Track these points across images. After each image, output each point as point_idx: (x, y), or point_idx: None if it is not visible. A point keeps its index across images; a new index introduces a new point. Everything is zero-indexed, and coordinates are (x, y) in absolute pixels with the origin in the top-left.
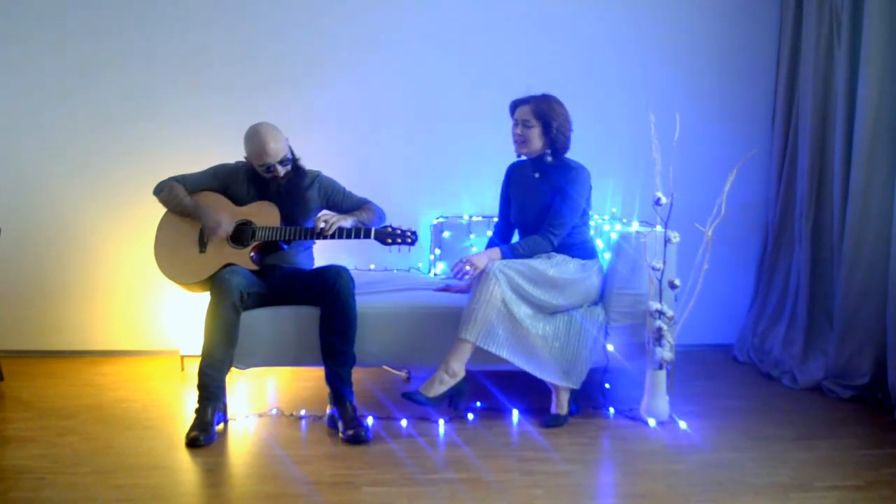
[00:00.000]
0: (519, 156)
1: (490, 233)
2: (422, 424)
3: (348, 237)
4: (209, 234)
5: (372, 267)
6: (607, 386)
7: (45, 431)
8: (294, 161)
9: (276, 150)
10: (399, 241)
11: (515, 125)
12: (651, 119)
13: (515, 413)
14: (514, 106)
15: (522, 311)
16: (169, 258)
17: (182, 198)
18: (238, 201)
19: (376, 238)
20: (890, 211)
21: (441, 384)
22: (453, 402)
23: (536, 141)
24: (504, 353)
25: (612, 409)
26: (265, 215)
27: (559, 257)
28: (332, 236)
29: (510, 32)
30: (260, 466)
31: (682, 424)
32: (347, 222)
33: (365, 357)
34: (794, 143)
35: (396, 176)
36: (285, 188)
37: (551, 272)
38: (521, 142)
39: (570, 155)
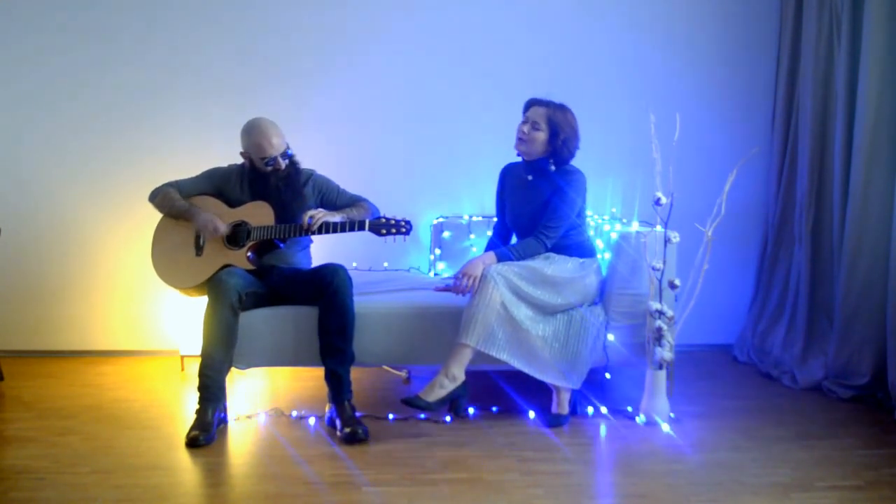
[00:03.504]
0: (518, 154)
1: (490, 233)
2: (422, 424)
3: (342, 231)
4: (204, 233)
5: (372, 267)
6: (608, 376)
7: (45, 431)
8: (291, 157)
9: (279, 143)
10: (394, 231)
11: (524, 122)
12: (651, 119)
13: (516, 413)
14: (530, 104)
15: (522, 312)
16: (166, 263)
17: (176, 201)
18: (232, 203)
19: (371, 230)
20: (890, 211)
21: (441, 388)
22: (454, 407)
23: (539, 145)
24: (504, 357)
25: (611, 409)
26: (260, 215)
27: (557, 257)
28: (319, 231)
29: (510, 33)
30: (260, 466)
31: (682, 425)
32: (335, 218)
33: (365, 357)
34: (794, 143)
35: (396, 176)
36: (283, 184)
37: (549, 271)
38: (523, 140)
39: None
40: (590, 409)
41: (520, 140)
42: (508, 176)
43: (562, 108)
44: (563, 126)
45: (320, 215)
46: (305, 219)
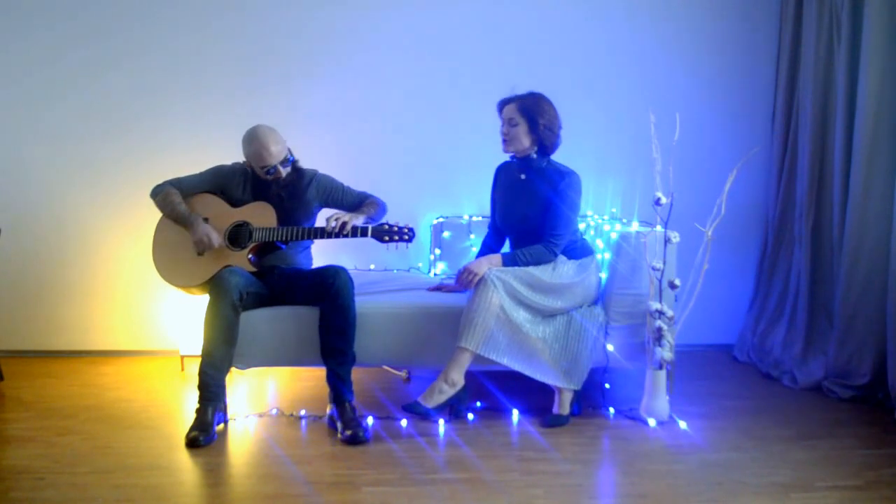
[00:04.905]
0: (510, 156)
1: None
2: (422, 424)
3: (346, 236)
4: (199, 247)
5: (372, 267)
6: (607, 386)
7: (45, 431)
8: (294, 162)
9: (278, 151)
10: (396, 238)
11: (503, 124)
12: (651, 119)
13: (516, 413)
14: (501, 105)
15: (521, 315)
16: (167, 261)
17: (176, 204)
18: (235, 203)
19: (373, 236)
20: (890, 211)
21: (441, 394)
22: (454, 411)
23: (523, 139)
24: (505, 361)
25: (612, 409)
26: (262, 216)
27: (556, 262)
28: (317, 236)
29: (510, 32)
30: (260, 466)
31: (682, 424)
32: (359, 220)
33: (365, 357)
34: (794, 143)
35: (396, 176)
36: (285, 192)
37: (549, 277)
38: (506, 140)
39: (571, 156)
40: (590, 410)
41: (504, 141)
42: (502, 174)
43: (531, 95)
44: (538, 112)
45: (346, 219)
46: (330, 223)
